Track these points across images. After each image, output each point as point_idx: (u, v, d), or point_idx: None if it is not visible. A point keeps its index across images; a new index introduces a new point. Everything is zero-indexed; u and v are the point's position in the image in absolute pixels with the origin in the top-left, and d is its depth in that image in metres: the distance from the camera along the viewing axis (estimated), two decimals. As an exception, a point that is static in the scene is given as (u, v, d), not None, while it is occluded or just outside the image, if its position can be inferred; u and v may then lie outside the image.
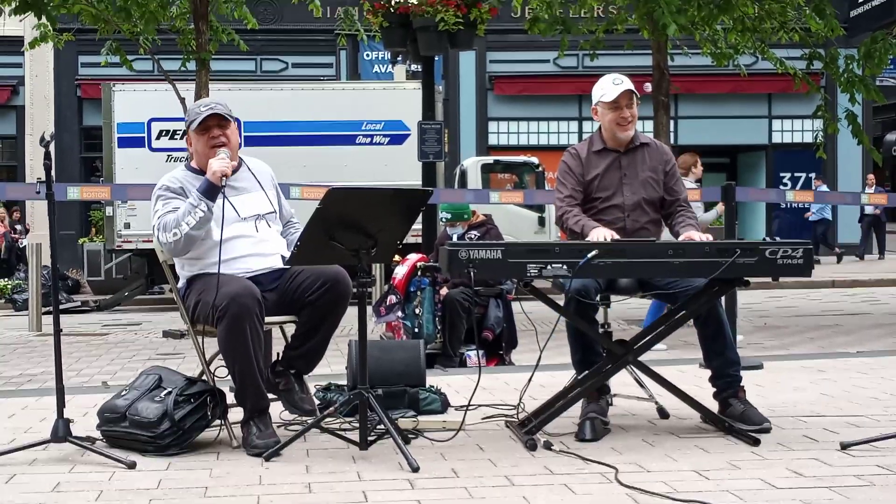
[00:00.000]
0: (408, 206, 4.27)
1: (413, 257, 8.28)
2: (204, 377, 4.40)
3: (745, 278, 4.30)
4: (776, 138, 23.97)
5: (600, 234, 4.46)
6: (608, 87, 4.74)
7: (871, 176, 21.76)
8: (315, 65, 22.45)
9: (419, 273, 7.98)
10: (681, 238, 4.56)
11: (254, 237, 4.44)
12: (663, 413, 4.75)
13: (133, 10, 11.62)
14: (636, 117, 4.79)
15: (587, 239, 4.44)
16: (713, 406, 4.54)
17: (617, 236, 4.46)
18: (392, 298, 7.98)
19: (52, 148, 4.01)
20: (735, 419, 4.42)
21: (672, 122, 13.35)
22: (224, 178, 4.30)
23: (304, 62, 22.52)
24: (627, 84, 4.74)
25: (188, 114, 4.55)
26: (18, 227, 21.48)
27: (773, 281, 4.47)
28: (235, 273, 4.30)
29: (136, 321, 13.78)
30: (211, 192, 4.29)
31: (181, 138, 15.12)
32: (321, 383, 5.21)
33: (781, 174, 23.42)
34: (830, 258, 20.98)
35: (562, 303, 4.41)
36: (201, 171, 4.44)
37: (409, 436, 4.32)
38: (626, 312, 11.19)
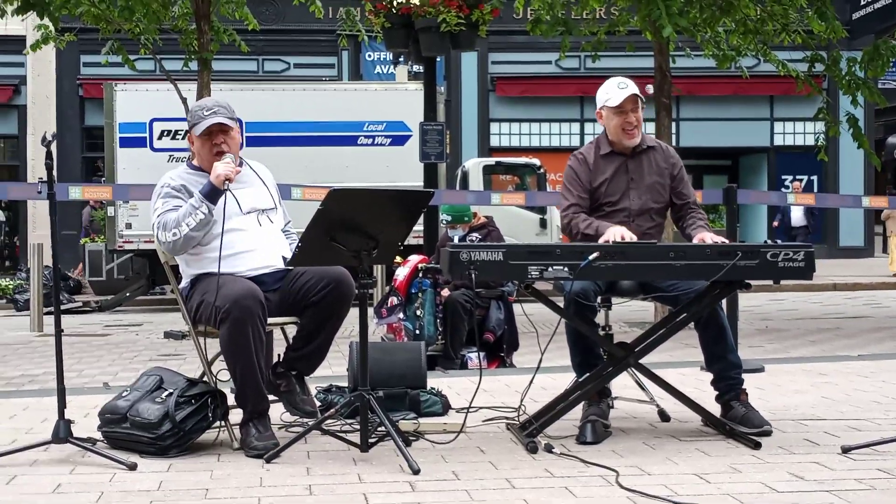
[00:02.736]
0: (409, 207, 4.27)
1: (414, 259, 8.28)
2: (205, 378, 4.40)
3: (747, 281, 4.30)
4: (778, 140, 23.98)
5: (616, 232, 4.44)
6: (613, 91, 4.71)
7: (796, 184, 21.58)
8: (317, 65, 22.46)
9: (420, 274, 7.97)
10: (694, 240, 4.55)
11: (255, 232, 4.44)
12: (664, 416, 4.74)
13: (136, 9, 11.61)
14: (641, 122, 4.76)
15: (603, 239, 4.42)
16: (714, 409, 4.54)
17: (633, 234, 4.45)
18: (393, 300, 7.98)
19: (53, 147, 4.01)
20: (736, 422, 4.42)
21: (674, 125, 13.36)
22: (227, 183, 4.31)
23: (306, 62, 22.54)
24: (633, 88, 4.71)
25: (191, 115, 4.53)
26: None
27: (774, 284, 4.47)
28: (238, 271, 4.31)
29: (138, 322, 13.78)
30: (213, 195, 4.31)
31: (183, 138, 15.12)
32: (322, 385, 5.22)
33: (783, 176, 23.42)
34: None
35: (563, 305, 4.41)
36: (202, 170, 4.45)
37: (410, 438, 4.32)
38: (627, 315, 11.20)
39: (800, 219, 19.73)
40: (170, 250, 4.39)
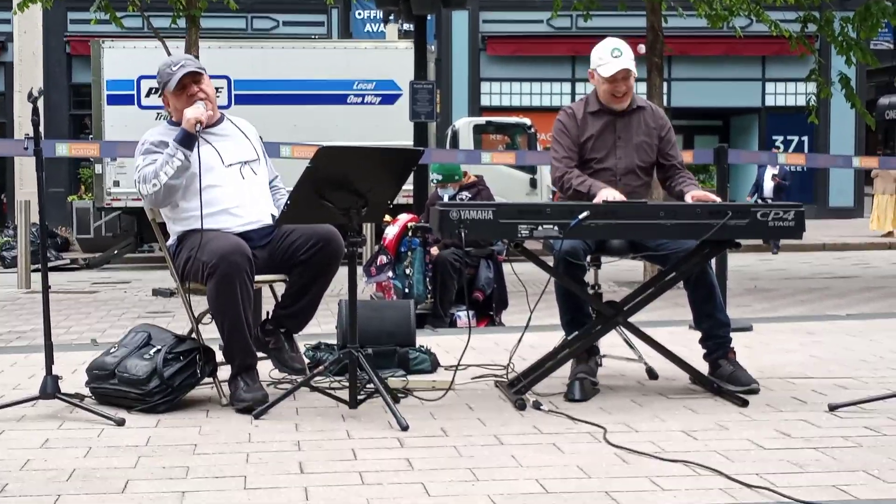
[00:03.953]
0: (399, 165, 4.25)
1: (404, 217, 8.26)
2: (193, 335, 4.39)
3: (737, 240, 4.30)
4: (769, 101, 23.95)
5: (609, 195, 4.42)
6: (606, 59, 4.63)
7: (774, 150, 21.45)
8: (306, 23, 22.29)
9: (410, 233, 7.96)
10: (687, 197, 4.52)
11: (239, 186, 4.41)
12: (652, 374, 4.76)
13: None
14: (632, 88, 4.71)
15: (596, 199, 4.40)
16: (702, 367, 4.56)
17: (622, 198, 4.43)
18: (382, 259, 7.97)
19: (40, 104, 3.97)
20: (724, 380, 4.43)
21: (665, 84, 13.27)
22: (199, 125, 4.28)
23: (296, 20, 22.36)
24: (626, 57, 4.62)
25: (160, 75, 4.48)
26: None
27: (764, 243, 4.46)
28: (224, 228, 4.29)
29: (126, 279, 13.77)
30: (187, 140, 4.28)
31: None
32: (311, 342, 5.21)
33: (774, 137, 23.40)
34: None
35: (552, 264, 4.40)
36: (181, 125, 4.42)
37: (399, 395, 4.33)
38: (616, 274, 11.22)
39: (770, 191, 19.64)
40: (153, 203, 4.37)
